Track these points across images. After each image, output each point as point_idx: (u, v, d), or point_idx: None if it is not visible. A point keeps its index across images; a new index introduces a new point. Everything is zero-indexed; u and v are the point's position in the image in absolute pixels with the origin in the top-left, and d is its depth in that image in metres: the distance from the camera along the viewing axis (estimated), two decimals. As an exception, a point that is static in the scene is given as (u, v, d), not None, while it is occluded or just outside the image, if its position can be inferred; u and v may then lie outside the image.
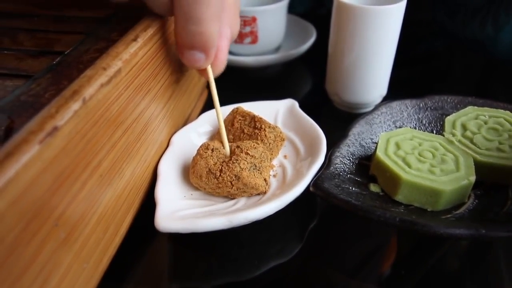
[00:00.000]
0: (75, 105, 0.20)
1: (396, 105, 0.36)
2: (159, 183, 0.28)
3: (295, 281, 0.27)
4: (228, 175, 0.28)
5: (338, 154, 0.31)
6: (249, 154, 0.29)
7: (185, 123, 0.37)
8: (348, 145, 0.32)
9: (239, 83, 0.49)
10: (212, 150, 0.29)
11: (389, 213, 0.25)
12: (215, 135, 0.34)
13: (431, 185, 0.26)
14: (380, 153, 0.29)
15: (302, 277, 0.27)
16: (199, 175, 0.28)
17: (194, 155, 0.30)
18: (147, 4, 0.29)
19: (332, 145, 0.32)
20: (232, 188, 0.28)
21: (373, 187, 0.29)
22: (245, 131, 0.32)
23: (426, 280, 0.27)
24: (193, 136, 0.35)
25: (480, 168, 0.29)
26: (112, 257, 0.25)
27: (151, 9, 0.29)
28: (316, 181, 0.28)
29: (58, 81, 0.26)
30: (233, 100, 0.37)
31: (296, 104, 0.38)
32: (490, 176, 0.29)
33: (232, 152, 0.29)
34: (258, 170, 0.29)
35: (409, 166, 0.28)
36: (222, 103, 0.36)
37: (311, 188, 0.27)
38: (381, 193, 0.29)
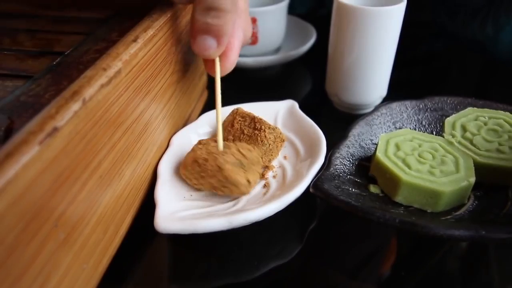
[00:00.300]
0: (75, 106, 0.20)
1: (396, 106, 0.36)
2: (158, 184, 0.28)
3: (295, 282, 0.27)
4: (211, 164, 0.28)
5: (338, 155, 0.31)
6: (240, 152, 0.29)
7: (185, 124, 0.37)
8: (348, 146, 0.32)
9: (239, 83, 0.49)
10: (204, 144, 0.29)
11: (389, 214, 0.25)
12: (215, 135, 0.34)
13: (431, 186, 0.26)
14: (380, 154, 0.29)
15: (302, 278, 0.27)
16: (185, 165, 0.29)
17: None
18: None
19: (332, 146, 0.32)
20: (213, 180, 0.28)
21: (373, 188, 0.29)
22: (245, 132, 0.32)
23: (426, 281, 0.27)
24: (193, 136, 0.35)
25: (480, 169, 0.29)
26: (111, 258, 0.25)
27: None
28: (316, 182, 0.28)
29: (58, 81, 0.26)
30: (233, 100, 0.37)
31: (296, 105, 0.38)
32: (490, 177, 0.29)
33: (225, 147, 0.29)
34: (244, 169, 0.28)
35: (409, 167, 0.28)
36: (222, 104, 0.36)
37: (311, 189, 0.27)
38: (381, 194, 0.29)
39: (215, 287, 0.26)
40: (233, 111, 0.34)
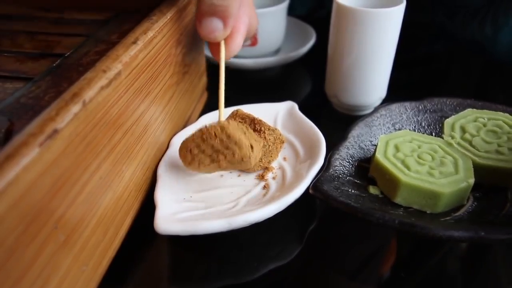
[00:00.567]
0: (75, 108, 0.20)
1: (395, 107, 0.36)
2: (158, 185, 0.28)
3: (295, 284, 0.27)
4: (214, 127, 0.27)
5: (337, 156, 0.31)
6: (243, 125, 0.28)
7: (185, 125, 0.37)
8: (348, 147, 0.32)
9: (239, 85, 0.49)
10: (207, 125, 0.29)
11: (388, 215, 0.25)
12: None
13: (430, 187, 0.26)
14: (379, 156, 0.29)
15: (301, 280, 0.27)
16: (187, 137, 0.28)
17: None
18: None
19: (332, 147, 0.32)
20: (215, 141, 0.27)
21: (372, 189, 0.30)
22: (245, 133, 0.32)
23: (426, 282, 0.27)
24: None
25: (479, 170, 0.29)
26: (111, 260, 0.25)
27: None
28: (316, 183, 0.28)
29: (58, 83, 0.26)
30: (233, 102, 0.37)
31: (296, 106, 0.38)
32: (489, 179, 0.29)
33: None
34: (246, 135, 0.28)
35: (408, 168, 0.28)
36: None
37: (310, 191, 0.27)
38: (380, 195, 0.29)
39: (215, 288, 0.26)
40: (233, 112, 0.34)
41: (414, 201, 0.28)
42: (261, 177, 0.31)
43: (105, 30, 0.33)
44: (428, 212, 0.27)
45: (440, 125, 0.35)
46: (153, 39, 0.29)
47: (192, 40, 0.37)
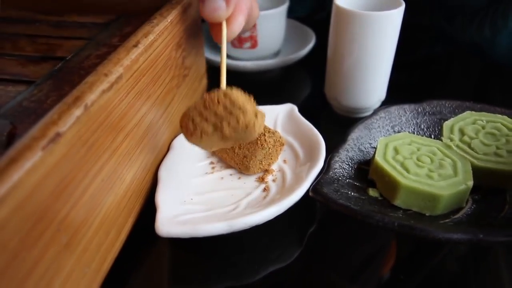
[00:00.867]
0: (77, 111, 0.21)
1: (394, 109, 0.36)
2: (159, 188, 0.29)
3: (295, 286, 0.27)
4: (216, 93, 0.26)
5: (337, 159, 0.31)
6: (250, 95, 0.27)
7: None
8: (347, 150, 0.32)
9: (241, 87, 0.49)
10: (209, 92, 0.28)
11: (388, 217, 0.25)
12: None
13: (429, 190, 0.27)
14: (378, 158, 0.29)
15: (301, 282, 0.27)
16: (188, 107, 0.27)
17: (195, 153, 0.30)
18: None
19: (331, 150, 0.32)
20: (218, 107, 0.26)
21: (372, 192, 0.30)
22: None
23: (426, 285, 0.27)
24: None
25: (478, 173, 0.29)
26: (112, 262, 0.25)
27: None
28: (316, 186, 0.28)
29: (60, 87, 0.26)
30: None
31: (296, 108, 0.38)
32: (488, 181, 0.30)
33: None
34: (251, 104, 0.26)
35: (407, 171, 0.28)
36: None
37: (310, 193, 0.27)
38: (379, 198, 0.29)
39: (216, 290, 0.26)
40: (233, 115, 0.34)
41: (413, 203, 0.28)
42: (261, 180, 0.32)
43: (106, 33, 0.34)
44: (427, 214, 0.28)
45: (439, 127, 0.35)
46: (154, 42, 0.29)
47: (193, 43, 0.37)
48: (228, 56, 0.51)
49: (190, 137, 0.27)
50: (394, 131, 0.35)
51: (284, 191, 0.30)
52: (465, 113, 0.35)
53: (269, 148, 0.32)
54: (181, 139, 0.34)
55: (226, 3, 0.29)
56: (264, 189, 0.31)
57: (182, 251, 0.29)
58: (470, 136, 0.32)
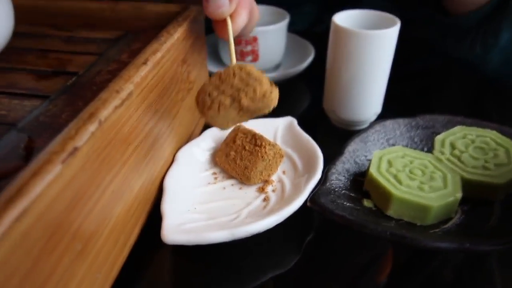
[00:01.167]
0: (92, 127, 0.22)
1: (389, 123, 0.38)
2: (165, 197, 0.30)
3: (293, 291, 0.29)
4: (231, 67, 0.27)
5: (334, 170, 0.33)
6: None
7: (189, 139, 0.39)
8: (344, 162, 0.34)
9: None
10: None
11: (381, 227, 0.27)
12: (218, 151, 0.36)
13: (420, 201, 0.28)
14: (373, 171, 0.31)
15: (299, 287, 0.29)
16: (204, 84, 0.28)
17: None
18: None
19: (329, 162, 0.34)
20: (235, 80, 0.26)
21: (367, 202, 0.31)
22: (246, 147, 0.34)
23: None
24: (196, 151, 0.36)
25: (467, 185, 0.31)
26: (120, 268, 0.27)
27: None
28: (313, 196, 0.29)
29: (74, 102, 0.28)
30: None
31: (295, 121, 0.39)
32: (476, 193, 0.31)
33: None
34: (265, 76, 0.27)
35: (400, 183, 0.30)
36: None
37: (308, 203, 0.29)
38: (373, 208, 0.31)
39: (218, 295, 0.28)
40: (235, 128, 0.36)
41: (405, 213, 0.29)
42: (262, 190, 0.33)
43: (115, 49, 0.35)
44: (418, 224, 0.29)
45: (432, 140, 0.37)
46: (162, 59, 0.31)
47: (197, 58, 0.39)
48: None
49: (207, 111, 0.27)
50: (389, 144, 0.37)
51: (283, 201, 0.31)
52: (456, 128, 0.36)
53: (269, 160, 0.33)
54: (185, 150, 0.35)
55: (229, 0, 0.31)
56: (264, 199, 0.32)
57: (185, 258, 0.30)
58: (460, 150, 0.34)
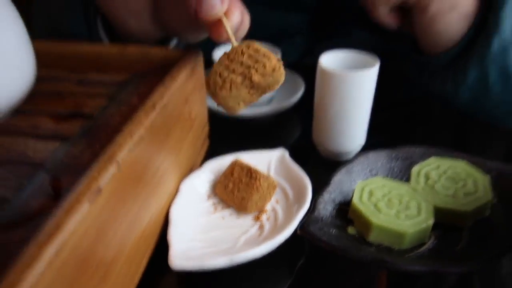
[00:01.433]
0: (112, 168, 0.26)
1: (372, 155, 0.42)
2: (171, 227, 0.34)
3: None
4: (239, 46, 0.28)
5: (321, 200, 0.36)
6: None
7: (191, 171, 0.42)
8: (330, 192, 0.38)
9: (238, 132, 0.55)
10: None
11: (363, 252, 0.31)
12: (217, 183, 0.40)
13: (396, 228, 0.32)
14: (355, 201, 0.35)
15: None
16: (212, 70, 0.29)
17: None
18: None
19: (317, 191, 0.38)
20: (244, 57, 0.28)
21: (350, 230, 0.35)
22: (243, 180, 0.38)
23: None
24: (197, 183, 0.40)
25: (439, 212, 0.35)
26: (134, 290, 0.30)
27: None
28: (303, 224, 0.33)
29: (92, 144, 0.32)
30: (232, 147, 0.43)
31: (287, 153, 0.43)
32: (447, 219, 0.35)
33: None
34: (271, 52, 0.29)
35: (379, 211, 0.34)
36: (223, 151, 0.43)
37: (298, 231, 0.33)
38: (357, 235, 0.35)
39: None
40: (232, 162, 0.39)
41: (384, 239, 0.33)
42: (257, 218, 0.37)
43: (125, 92, 0.39)
44: (395, 249, 0.33)
45: (409, 171, 0.41)
46: (168, 102, 0.35)
47: (197, 97, 0.43)
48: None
49: (220, 91, 0.29)
50: (371, 175, 0.41)
51: (277, 229, 0.35)
52: (430, 159, 0.41)
53: (263, 191, 0.37)
54: (187, 182, 0.39)
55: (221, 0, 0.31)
56: (260, 227, 0.36)
57: (189, 281, 0.34)
58: (434, 180, 0.38)
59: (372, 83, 0.44)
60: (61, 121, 0.35)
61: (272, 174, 0.42)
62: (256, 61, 0.28)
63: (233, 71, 0.28)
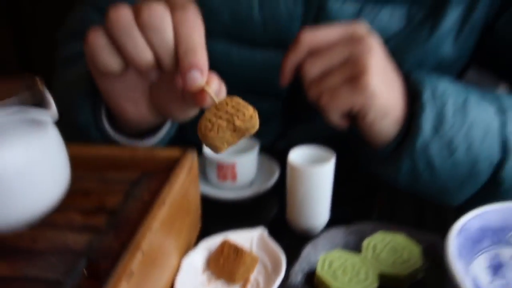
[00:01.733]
0: (139, 255, 0.36)
1: (332, 231, 0.54)
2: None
3: None
4: (224, 99, 0.37)
5: (293, 271, 0.47)
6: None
7: (188, 249, 0.52)
8: (300, 263, 0.48)
9: (224, 213, 0.66)
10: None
11: (324, 311, 0.41)
12: (211, 259, 0.50)
13: (349, 291, 0.43)
14: (318, 270, 0.45)
15: None
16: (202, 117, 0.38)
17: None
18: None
19: (291, 262, 0.48)
20: (228, 107, 0.36)
21: (316, 294, 0.45)
22: (231, 257, 0.48)
23: None
24: (195, 259, 0.50)
25: (383, 277, 0.45)
26: None
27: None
28: (279, 291, 0.43)
29: (118, 236, 0.42)
30: (219, 228, 0.54)
31: (265, 232, 0.54)
32: (389, 282, 0.46)
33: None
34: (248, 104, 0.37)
35: (336, 279, 0.44)
36: (212, 232, 0.53)
37: (275, 298, 0.42)
38: (320, 298, 0.45)
39: None
40: (222, 242, 0.50)
41: (341, 301, 0.43)
42: (243, 287, 0.47)
43: (138, 189, 0.50)
44: (350, 308, 0.43)
45: (361, 244, 0.52)
46: (174, 197, 0.46)
47: (194, 188, 0.54)
48: (216, 187, 0.69)
49: (209, 133, 0.37)
50: (332, 247, 0.52)
51: (259, 296, 0.44)
52: (378, 233, 0.52)
53: (247, 265, 0.47)
54: (187, 259, 0.49)
55: (200, 71, 0.38)
56: (245, 295, 0.45)
57: None
58: (380, 250, 0.49)
59: (330, 173, 0.57)
60: (89, 216, 0.46)
61: (254, 249, 0.52)
62: (238, 110, 0.36)
63: (220, 117, 0.37)
